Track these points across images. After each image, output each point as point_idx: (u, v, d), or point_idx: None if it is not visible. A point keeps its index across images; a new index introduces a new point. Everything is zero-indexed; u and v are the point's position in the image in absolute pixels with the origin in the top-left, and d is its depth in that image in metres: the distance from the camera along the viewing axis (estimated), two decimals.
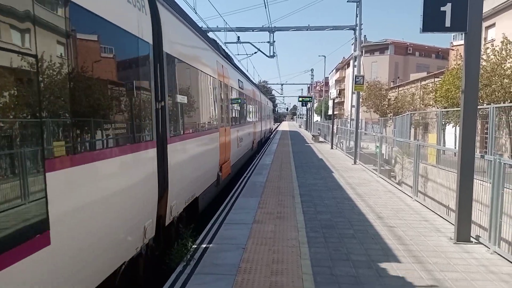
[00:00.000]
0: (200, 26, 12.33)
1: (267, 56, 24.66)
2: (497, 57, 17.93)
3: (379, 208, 8.30)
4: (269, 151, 21.40)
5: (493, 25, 23.58)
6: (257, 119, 23.59)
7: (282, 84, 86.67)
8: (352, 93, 19.93)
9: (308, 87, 77.20)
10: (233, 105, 13.11)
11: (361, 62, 19.64)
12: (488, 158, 6.35)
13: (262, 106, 28.17)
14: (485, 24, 23.04)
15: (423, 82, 36.25)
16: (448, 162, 10.24)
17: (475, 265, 5.16)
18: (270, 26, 23.15)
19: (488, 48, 18.58)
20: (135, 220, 4.46)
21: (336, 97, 69.00)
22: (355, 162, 16.05)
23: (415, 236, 6.36)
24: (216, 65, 9.76)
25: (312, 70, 59.85)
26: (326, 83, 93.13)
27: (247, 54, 27.42)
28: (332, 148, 23.88)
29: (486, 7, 19.14)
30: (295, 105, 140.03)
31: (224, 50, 14.77)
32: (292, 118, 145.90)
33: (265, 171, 13.51)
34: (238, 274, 4.78)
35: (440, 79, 24.50)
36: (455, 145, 11.23)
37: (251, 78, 29.95)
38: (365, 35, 60.33)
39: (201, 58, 8.27)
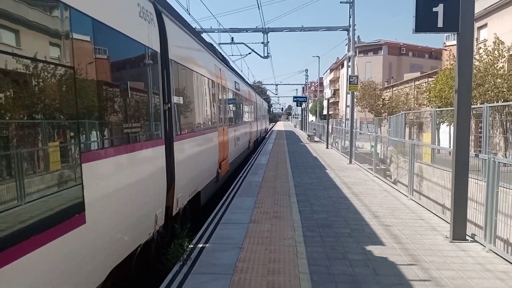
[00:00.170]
0: (194, 27, 12.39)
1: (261, 56, 24.71)
2: (490, 57, 18.09)
3: (375, 207, 8.33)
4: (265, 151, 21.41)
5: (485, 25, 23.77)
6: (253, 119, 23.95)
7: (276, 85, 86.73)
8: (347, 93, 20.01)
9: (303, 87, 77.36)
10: (230, 105, 13.65)
11: (355, 63, 19.73)
12: (483, 157, 6.39)
13: (257, 107, 28.37)
14: (477, 24, 23.22)
15: (417, 82, 36.48)
16: (443, 161, 10.30)
17: (471, 263, 5.19)
18: (264, 27, 23.17)
19: (480, 48, 18.74)
20: (148, 208, 5.07)
21: (331, 97, 69.19)
22: (350, 162, 16.10)
23: (411, 235, 6.39)
24: (214, 69, 10.37)
25: (306, 70, 59.85)
26: (321, 83, 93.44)
27: (241, 55, 27.43)
28: (327, 147, 23.93)
29: (478, 8, 19.27)
30: (290, 105, 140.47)
31: (220, 53, 15.30)
32: (287, 118, 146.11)
33: (261, 171, 13.51)
34: (235, 274, 4.77)
35: (434, 79, 24.66)
36: (450, 144, 11.31)
37: (246, 79, 29.97)
38: (358, 36, 60.56)
39: (201, 62, 8.84)
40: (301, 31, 23.75)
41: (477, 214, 6.56)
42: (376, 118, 30.32)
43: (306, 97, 49.54)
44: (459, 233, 6.09)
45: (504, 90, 17.09)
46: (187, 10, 15.91)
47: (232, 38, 24.51)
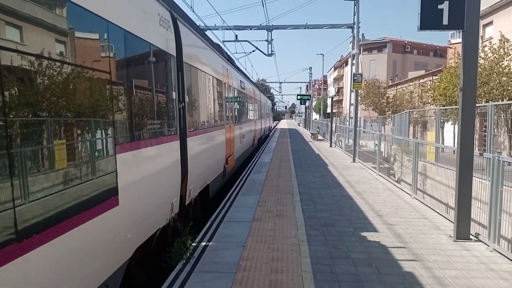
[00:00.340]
0: (198, 24, 12.45)
1: (265, 54, 24.57)
2: (495, 55, 17.96)
3: (379, 206, 8.31)
4: (268, 149, 21.40)
5: (491, 23, 23.59)
6: (257, 117, 24.17)
7: (280, 83, 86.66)
8: (351, 91, 19.93)
9: (307, 86, 77.20)
10: (236, 104, 14.17)
11: (359, 61, 19.64)
12: (487, 156, 6.36)
13: (261, 105, 28.47)
14: (482, 22, 23.04)
15: (422, 80, 36.29)
16: (447, 160, 10.24)
17: (475, 263, 5.17)
18: (268, 24, 23.05)
19: (485, 46, 18.61)
20: (166, 196, 5.65)
21: (335, 95, 69.04)
22: (354, 160, 16.06)
23: (414, 234, 6.37)
24: (221, 69, 10.98)
25: (310, 68, 59.39)
26: (325, 82, 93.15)
27: (245, 53, 27.33)
28: (331, 146, 23.89)
29: (483, 5, 19.11)
30: (293, 104, 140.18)
31: (227, 53, 15.59)
32: (290, 117, 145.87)
33: (264, 169, 13.51)
34: (238, 272, 4.78)
35: (438, 77, 24.51)
36: (454, 143, 11.24)
37: (250, 77, 29.94)
38: (363, 34, 60.03)
39: (210, 64, 9.34)
40: (305, 28, 23.62)
41: (481, 213, 6.53)
42: (380, 117, 30.19)
43: (310, 95, 49.44)
44: (463, 232, 6.07)
45: (510, 88, 16.98)
46: (191, 7, 15.96)
47: (236, 35, 24.45)
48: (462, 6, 5.83)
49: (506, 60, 17.88)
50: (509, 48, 17.86)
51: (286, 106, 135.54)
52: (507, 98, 16.56)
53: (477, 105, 7.24)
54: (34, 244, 2.66)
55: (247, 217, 7.26)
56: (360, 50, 21.13)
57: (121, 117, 4.12)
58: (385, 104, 37.90)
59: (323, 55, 53.57)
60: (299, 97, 43.85)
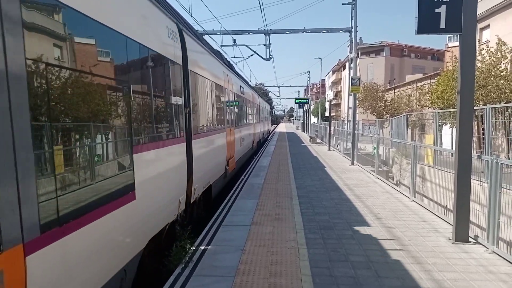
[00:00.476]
0: (196, 29, 12.60)
1: (263, 58, 24.64)
2: (492, 58, 18.04)
3: (377, 209, 8.31)
4: (267, 152, 21.40)
5: (488, 26, 23.70)
6: (256, 121, 24.37)
7: (278, 86, 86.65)
8: (349, 94, 19.99)
9: (305, 89, 77.30)
10: (236, 108, 14.67)
11: (357, 64, 19.71)
12: (485, 158, 6.38)
13: (260, 109, 28.63)
14: (479, 25, 23.18)
15: (419, 84, 36.35)
16: (445, 163, 10.27)
17: (474, 265, 5.17)
18: (266, 29, 23.11)
19: (483, 49, 18.70)
20: (174, 193, 6.13)
21: (333, 98, 69.05)
22: (352, 163, 16.07)
23: (413, 237, 6.37)
24: (222, 75, 11.49)
25: (308, 72, 59.39)
26: (323, 85, 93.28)
27: (243, 57, 27.40)
28: (329, 149, 23.89)
29: (480, 9, 19.25)
30: (292, 107, 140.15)
31: (227, 59, 15.98)
32: (289, 120, 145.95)
33: (263, 172, 13.50)
34: (237, 276, 4.77)
35: (436, 80, 24.59)
36: (452, 145, 11.27)
37: (249, 82, 30.00)
38: (360, 37, 60.08)
39: (212, 71, 9.81)
40: (303, 32, 23.73)
41: (480, 216, 6.54)
42: (378, 120, 30.25)
43: (308, 99, 49.51)
44: (461, 234, 6.07)
45: (507, 91, 17.04)
46: (190, 12, 16.02)
47: (234, 40, 24.51)
48: (459, 10, 5.87)
49: (503, 63, 17.96)
50: (506, 51, 17.95)
51: (284, 110, 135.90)
52: (505, 101, 16.62)
53: (475, 108, 7.26)
54: (72, 228, 3.09)
55: (246, 221, 7.24)
56: (358, 53, 21.18)
57: (138, 122, 4.64)
58: (383, 107, 37.93)
59: (321, 59, 53.65)
60: (297, 101, 43.95)
